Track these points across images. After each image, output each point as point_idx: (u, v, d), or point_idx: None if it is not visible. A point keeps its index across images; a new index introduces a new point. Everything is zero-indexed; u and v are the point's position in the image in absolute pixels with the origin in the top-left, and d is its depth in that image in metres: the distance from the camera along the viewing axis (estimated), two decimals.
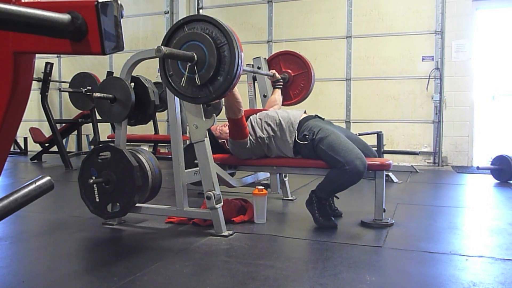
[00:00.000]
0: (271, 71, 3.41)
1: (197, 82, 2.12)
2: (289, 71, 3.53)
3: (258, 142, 2.81)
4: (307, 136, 2.66)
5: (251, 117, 2.92)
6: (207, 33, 2.11)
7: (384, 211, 2.66)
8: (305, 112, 2.90)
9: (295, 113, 2.84)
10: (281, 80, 3.43)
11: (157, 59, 2.16)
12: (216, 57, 2.08)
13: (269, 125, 2.80)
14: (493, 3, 6.10)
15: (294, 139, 2.71)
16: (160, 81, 2.32)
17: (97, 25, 0.86)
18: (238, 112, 2.68)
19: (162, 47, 1.95)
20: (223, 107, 3.03)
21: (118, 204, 2.52)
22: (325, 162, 2.61)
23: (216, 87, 2.14)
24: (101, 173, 2.51)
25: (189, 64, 2.12)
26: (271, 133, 2.78)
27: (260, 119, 2.87)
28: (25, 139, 7.46)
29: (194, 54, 2.10)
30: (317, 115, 2.90)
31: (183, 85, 2.17)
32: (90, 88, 6.03)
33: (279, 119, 2.78)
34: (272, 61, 3.59)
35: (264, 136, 2.79)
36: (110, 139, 6.16)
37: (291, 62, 3.54)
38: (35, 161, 6.47)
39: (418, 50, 6.11)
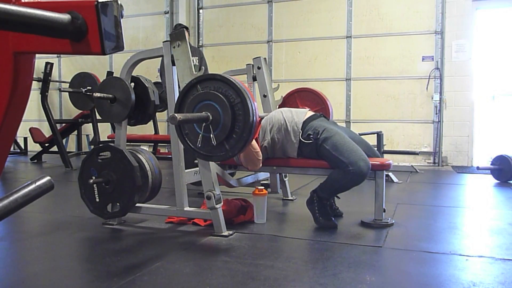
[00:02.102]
0: None
1: (213, 142, 2.12)
2: (306, 108, 3.52)
3: (264, 146, 2.80)
4: (311, 136, 2.65)
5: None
6: (221, 92, 2.11)
7: (384, 211, 2.66)
8: (309, 111, 2.89)
9: (300, 112, 2.83)
10: None
11: (157, 59, 2.16)
12: (231, 116, 2.09)
13: (274, 126, 2.80)
14: (493, 3, 6.10)
15: (298, 139, 2.70)
16: (160, 81, 2.32)
17: (97, 25, 0.86)
18: (258, 162, 2.71)
19: (176, 114, 1.96)
20: None
21: (118, 204, 2.52)
22: (328, 162, 2.61)
23: (232, 145, 2.15)
24: (101, 173, 2.51)
25: (204, 124, 2.12)
26: (276, 134, 2.78)
27: (266, 119, 2.87)
28: (25, 139, 7.46)
29: (209, 114, 2.10)
30: (322, 114, 2.90)
31: (199, 145, 2.17)
32: (90, 88, 6.02)
33: (284, 120, 2.78)
34: (289, 99, 3.56)
35: (269, 137, 2.79)
36: (110, 139, 6.15)
37: (307, 98, 3.52)
38: (35, 161, 6.47)
39: (418, 50, 6.12)
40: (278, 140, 2.78)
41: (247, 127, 2.09)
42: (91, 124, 6.54)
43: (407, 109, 6.20)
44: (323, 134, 2.62)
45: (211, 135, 2.12)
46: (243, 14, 7.05)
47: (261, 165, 2.75)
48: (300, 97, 3.56)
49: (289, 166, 2.84)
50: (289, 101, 3.57)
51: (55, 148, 6.12)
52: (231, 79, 2.12)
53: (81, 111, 6.53)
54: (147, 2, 7.63)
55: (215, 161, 2.38)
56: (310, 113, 2.88)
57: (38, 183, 0.84)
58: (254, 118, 2.10)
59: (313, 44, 6.61)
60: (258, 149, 2.67)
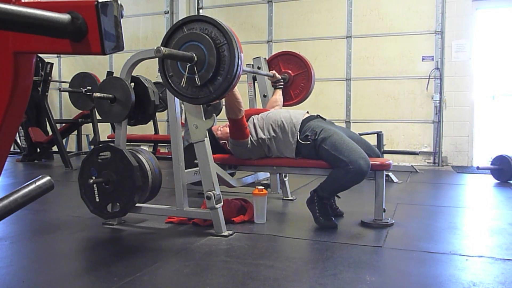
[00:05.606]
0: (271, 71, 3.42)
1: (197, 82, 2.12)
2: (289, 71, 3.53)
3: (259, 142, 2.81)
4: (309, 137, 2.65)
5: (253, 117, 2.92)
6: (206, 33, 2.11)
7: (384, 211, 2.66)
8: (307, 113, 2.90)
9: (297, 113, 2.83)
10: (282, 81, 3.43)
11: (157, 59, 2.16)
12: (216, 57, 2.08)
13: (270, 126, 2.80)
14: (493, 3, 6.10)
15: (296, 140, 2.70)
16: (160, 81, 2.32)
17: (97, 25, 0.86)
18: (239, 112, 2.67)
19: (162, 47, 1.95)
20: (223, 107, 3.03)
21: (118, 204, 2.52)
22: (327, 162, 2.61)
23: (216, 87, 2.14)
24: (101, 173, 2.51)
25: (189, 64, 2.12)
26: (273, 134, 2.78)
27: (262, 118, 2.87)
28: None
29: (194, 55, 2.10)
30: (319, 115, 2.89)
31: (183, 85, 2.17)
32: (90, 88, 6.02)
33: (281, 120, 2.78)
34: (272, 62, 3.59)
35: (265, 137, 2.79)
36: (110, 139, 6.15)
37: (290, 62, 3.55)
38: (35, 161, 6.46)
39: (418, 50, 6.11)
40: (275, 139, 2.77)
41: (232, 68, 2.08)
42: (91, 124, 6.54)
43: (407, 109, 6.19)
44: (321, 135, 2.62)
45: (196, 76, 2.11)
46: (243, 14, 7.05)
47: (243, 115, 2.71)
48: (283, 60, 3.57)
49: (289, 166, 2.84)
50: (271, 64, 3.57)
51: (55, 148, 6.12)
52: (218, 21, 2.11)
53: (81, 111, 6.53)
54: (147, 2, 7.63)
55: (199, 104, 2.35)
56: (308, 114, 2.88)
57: (38, 183, 0.84)
58: (240, 61, 2.10)
59: (313, 44, 6.61)
60: (241, 99, 2.64)
